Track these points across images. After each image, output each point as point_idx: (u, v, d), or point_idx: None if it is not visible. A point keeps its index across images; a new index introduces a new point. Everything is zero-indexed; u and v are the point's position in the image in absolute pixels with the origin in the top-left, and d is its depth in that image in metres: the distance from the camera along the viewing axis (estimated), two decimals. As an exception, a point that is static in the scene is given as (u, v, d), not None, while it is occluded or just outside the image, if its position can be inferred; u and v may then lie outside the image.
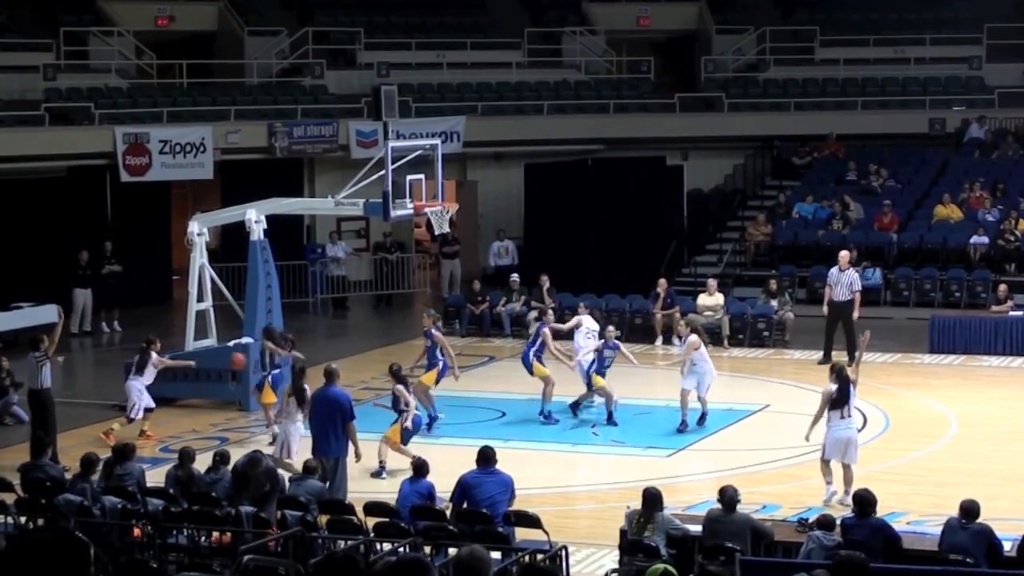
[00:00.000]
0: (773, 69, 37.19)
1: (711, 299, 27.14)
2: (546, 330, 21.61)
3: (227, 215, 24.17)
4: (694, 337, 20.63)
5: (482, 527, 13.68)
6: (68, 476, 15.48)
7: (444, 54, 36.45)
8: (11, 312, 27.38)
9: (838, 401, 16.62)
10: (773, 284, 27.78)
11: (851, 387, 16.70)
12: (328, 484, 15.91)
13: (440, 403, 21.38)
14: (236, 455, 15.45)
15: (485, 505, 14.12)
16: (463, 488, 14.37)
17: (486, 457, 14.59)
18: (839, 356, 24.13)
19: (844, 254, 25.38)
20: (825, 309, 24.96)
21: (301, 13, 37.24)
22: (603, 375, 21.03)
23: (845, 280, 24.77)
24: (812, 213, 31.76)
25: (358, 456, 16.90)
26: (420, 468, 14.91)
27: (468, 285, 30.30)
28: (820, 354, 24.96)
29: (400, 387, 18.70)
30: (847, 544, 12.70)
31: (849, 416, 16.73)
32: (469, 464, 14.71)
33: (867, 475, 17.48)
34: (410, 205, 21.92)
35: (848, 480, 16.55)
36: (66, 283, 28.58)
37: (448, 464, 16.01)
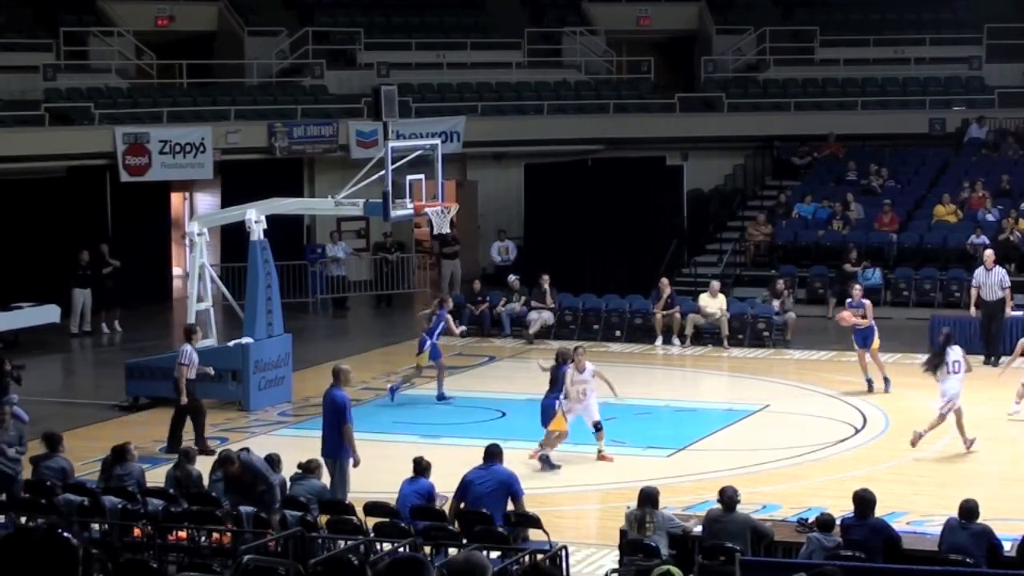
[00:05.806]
0: (773, 69, 37.19)
1: (713, 301, 27.04)
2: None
3: (227, 215, 24.15)
4: None
5: (482, 527, 13.68)
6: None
7: (444, 54, 36.44)
8: (11, 312, 27.39)
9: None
10: (780, 284, 27.69)
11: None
12: (330, 484, 15.87)
13: (442, 403, 21.33)
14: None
15: (483, 497, 14.19)
16: (463, 485, 14.48)
17: (491, 454, 14.69)
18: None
19: (989, 253, 25.49)
20: (973, 311, 24.91)
21: (301, 13, 37.23)
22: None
23: (994, 279, 24.86)
24: (812, 213, 31.75)
25: (356, 461, 16.39)
26: (420, 468, 14.90)
27: (468, 285, 30.29)
28: (822, 353, 24.94)
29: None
30: (847, 544, 12.70)
31: None
32: (470, 465, 14.73)
33: (867, 475, 17.52)
34: (410, 205, 21.92)
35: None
36: (66, 283, 28.58)
37: (449, 465, 15.98)
